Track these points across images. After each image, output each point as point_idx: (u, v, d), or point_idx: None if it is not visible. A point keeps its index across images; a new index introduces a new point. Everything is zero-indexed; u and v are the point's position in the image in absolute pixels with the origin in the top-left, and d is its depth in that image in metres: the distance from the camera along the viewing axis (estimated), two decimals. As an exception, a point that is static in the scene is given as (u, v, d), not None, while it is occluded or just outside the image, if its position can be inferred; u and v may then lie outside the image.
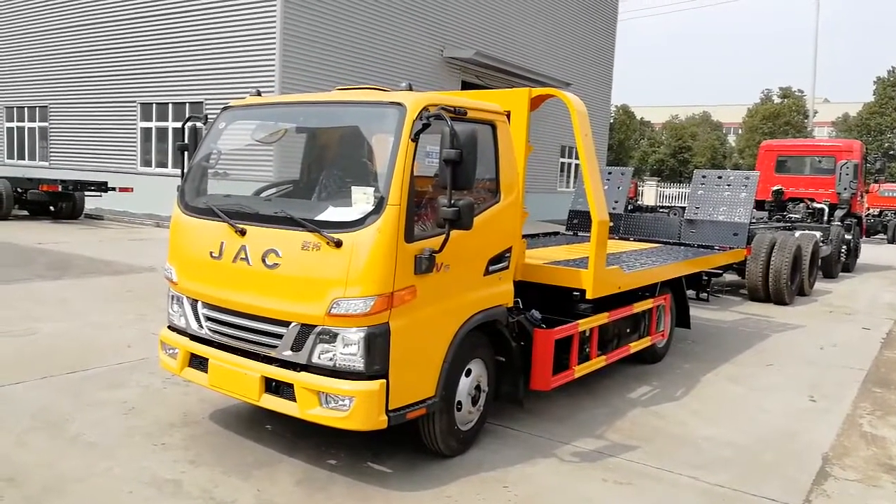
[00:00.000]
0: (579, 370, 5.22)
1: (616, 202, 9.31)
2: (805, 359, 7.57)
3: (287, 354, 3.89)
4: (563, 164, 28.92)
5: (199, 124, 4.84)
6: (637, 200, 31.35)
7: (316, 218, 3.89)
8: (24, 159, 23.48)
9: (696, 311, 9.60)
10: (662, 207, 17.37)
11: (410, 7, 20.32)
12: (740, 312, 10.19)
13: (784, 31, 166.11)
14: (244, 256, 4.02)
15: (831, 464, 4.71)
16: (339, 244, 3.69)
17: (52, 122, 22.37)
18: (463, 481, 4.11)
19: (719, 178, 8.95)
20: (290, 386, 3.85)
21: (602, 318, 5.46)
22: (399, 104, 3.90)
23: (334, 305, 3.68)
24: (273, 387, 3.96)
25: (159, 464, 4.15)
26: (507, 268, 4.61)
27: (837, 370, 7.18)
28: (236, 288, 4.08)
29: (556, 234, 9.47)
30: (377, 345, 3.70)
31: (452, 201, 3.70)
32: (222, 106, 4.76)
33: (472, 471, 4.25)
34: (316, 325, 3.77)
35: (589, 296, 5.14)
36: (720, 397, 6.11)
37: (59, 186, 16.73)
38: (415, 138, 3.80)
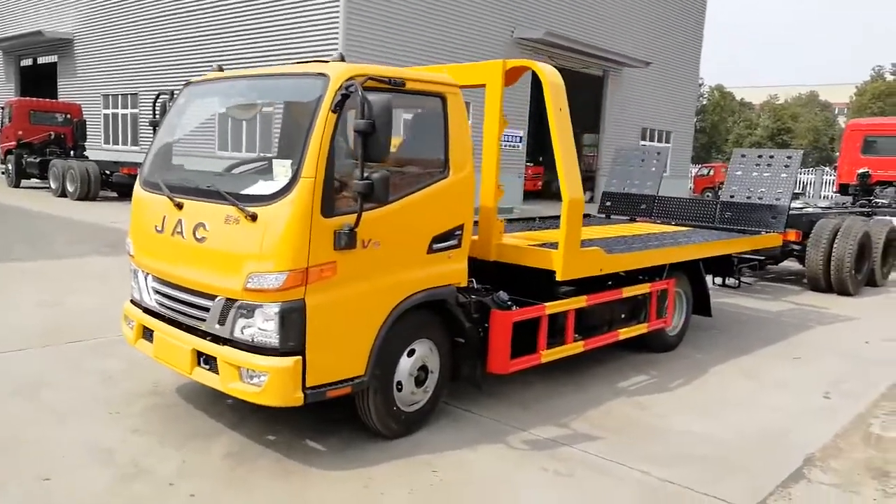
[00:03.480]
0: (547, 355, 4.96)
1: (649, 183, 8.84)
2: (841, 353, 6.95)
3: (215, 328, 3.90)
4: (644, 147, 27.85)
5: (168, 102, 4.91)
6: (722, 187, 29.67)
7: (240, 192, 3.87)
8: (118, 144, 24.95)
9: (737, 300, 9.10)
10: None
11: (480, -14, 20.06)
12: (792, 302, 9.49)
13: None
14: (180, 230, 4.06)
15: (812, 465, 4.29)
16: (254, 217, 3.66)
17: (141, 108, 23.61)
18: (393, 464, 4.01)
19: (759, 157, 8.34)
20: (216, 359, 3.87)
21: (579, 302, 5.18)
22: (323, 75, 3.81)
23: (250, 280, 3.66)
24: (203, 360, 3.99)
25: (105, 432, 4.27)
26: (457, 246, 4.43)
27: (872, 367, 6.55)
28: (173, 261, 4.13)
29: (588, 216, 9.08)
30: (291, 321, 3.64)
31: (366, 174, 3.59)
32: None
33: (406, 453, 4.14)
34: (236, 300, 3.76)
35: (559, 277, 4.89)
36: (722, 390, 5.70)
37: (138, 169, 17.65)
38: (335, 109, 3.69)
